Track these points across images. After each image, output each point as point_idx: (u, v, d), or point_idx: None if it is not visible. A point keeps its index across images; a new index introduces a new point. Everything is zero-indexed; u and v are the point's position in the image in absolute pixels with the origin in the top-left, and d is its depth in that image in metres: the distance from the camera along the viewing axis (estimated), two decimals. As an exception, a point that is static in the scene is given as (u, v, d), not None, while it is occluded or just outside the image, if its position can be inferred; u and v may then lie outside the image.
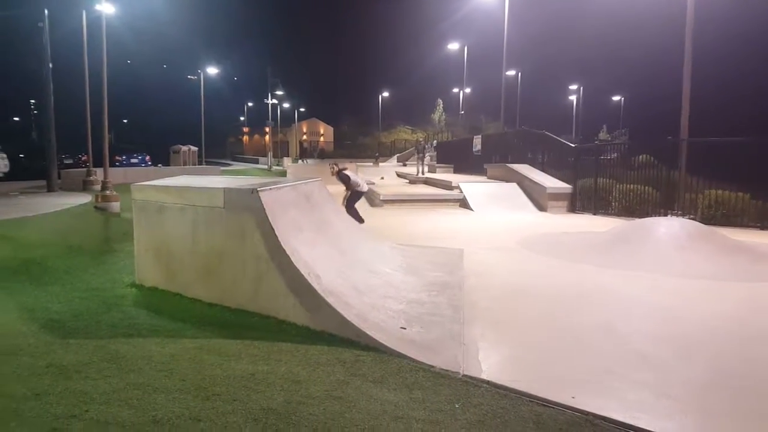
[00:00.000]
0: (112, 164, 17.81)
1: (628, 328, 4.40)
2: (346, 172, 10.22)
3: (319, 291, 4.24)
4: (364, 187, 10.45)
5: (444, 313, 4.69)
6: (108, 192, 11.43)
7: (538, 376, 3.40)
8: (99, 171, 14.66)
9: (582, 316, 4.69)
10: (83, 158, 30.16)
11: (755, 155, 10.60)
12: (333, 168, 10.39)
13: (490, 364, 3.65)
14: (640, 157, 13.28)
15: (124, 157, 38.54)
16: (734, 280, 6.07)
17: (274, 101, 47.32)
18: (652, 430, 2.74)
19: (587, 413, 2.86)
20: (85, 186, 16.49)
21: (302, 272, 4.34)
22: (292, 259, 4.40)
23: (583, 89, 46.57)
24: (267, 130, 50.91)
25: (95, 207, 11.26)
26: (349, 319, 4.06)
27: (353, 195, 10.15)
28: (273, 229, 4.51)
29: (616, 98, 50.63)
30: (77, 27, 16.84)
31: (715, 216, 10.51)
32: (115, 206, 11.12)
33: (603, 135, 29.15)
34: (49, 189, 15.88)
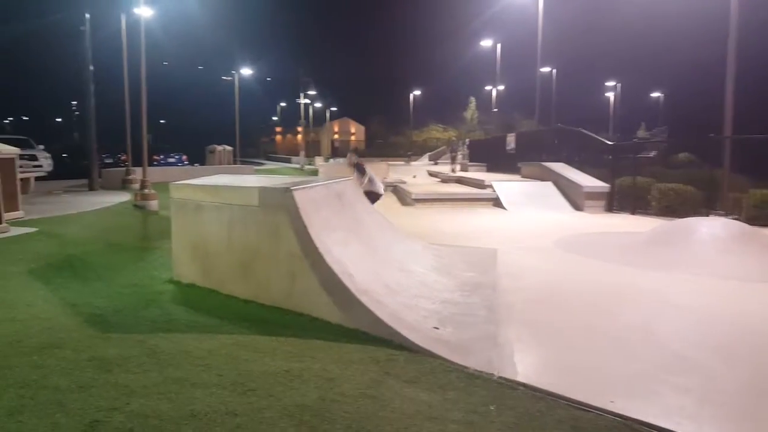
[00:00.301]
0: (150, 163, 18.27)
1: (668, 331, 4.27)
2: (366, 167, 9.24)
3: (352, 289, 4.25)
4: (381, 189, 9.19)
5: (478, 313, 4.63)
6: (146, 191, 11.74)
7: (575, 379, 3.33)
8: (138, 170, 15.07)
9: (620, 318, 4.57)
10: (122, 158, 31.07)
11: None
12: (351, 157, 9.55)
13: (526, 366, 3.59)
14: (681, 155, 12.90)
15: (161, 157, 39.50)
16: None
17: (306, 101, 47.79)
18: (696, 437, 2.64)
19: (627, 418, 2.78)
20: (124, 185, 16.97)
21: (335, 270, 4.36)
22: (325, 257, 4.42)
23: (621, 85, 45.42)
24: (299, 129, 51.44)
25: (134, 205, 11.58)
26: (382, 317, 4.06)
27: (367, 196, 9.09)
28: (306, 228, 4.54)
29: (655, 95, 49.23)
30: (117, 30, 17.37)
31: (760, 216, 10.12)
32: (154, 204, 11.41)
33: (642, 132, 28.41)
34: (91, 188, 16.40)
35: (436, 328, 4.15)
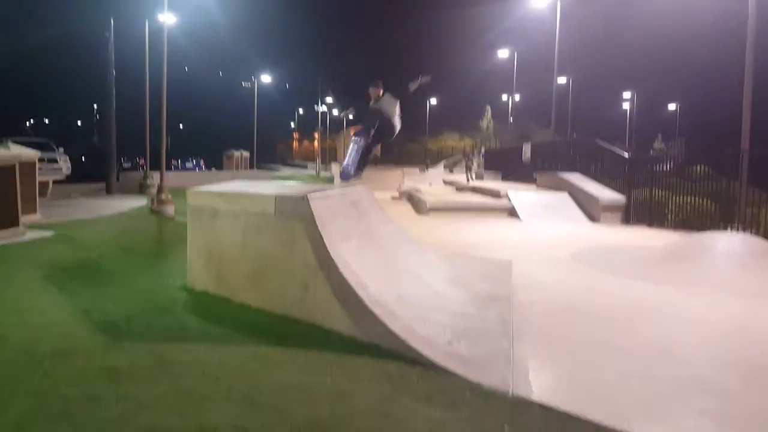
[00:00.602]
0: (168, 168, 18.43)
1: (686, 349, 4.15)
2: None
3: (366, 301, 4.20)
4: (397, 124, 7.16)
5: (492, 328, 4.55)
6: (163, 196, 11.82)
7: (591, 399, 3.24)
8: (155, 174, 15.21)
9: (637, 336, 4.46)
10: (140, 162, 31.43)
11: None
12: (377, 89, 6.95)
13: (541, 384, 3.50)
14: (698, 167, 12.71)
15: (179, 162, 39.90)
16: None
17: (324, 109, 48.08)
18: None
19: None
20: (141, 189, 17.14)
21: (349, 281, 4.31)
22: (340, 267, 4.38)
23: (637, 97, 45.03)
24: (316, 135, 51.64)
25: (150, 210, 11.67)
26: (395, 330, 3.99)
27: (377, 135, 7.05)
28: (321, 237, 4.50)
29: (671, 107, 48.68)
30: (140, 35, 17.62)
31: None
32: (170, 210, 11.48)
33: (658, 144, 28.10)
34: (108, 191, 16.60)
35: (450, 343, 4.07)
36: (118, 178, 17.73)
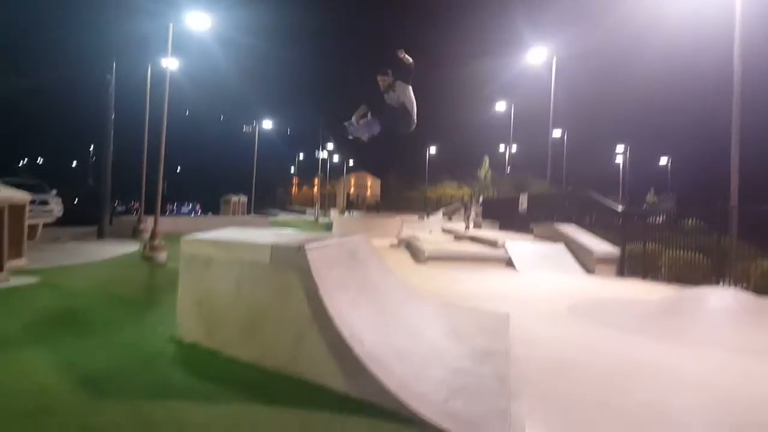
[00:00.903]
0: (163, 212, 18.37)
1: (683, 410, 4.05)
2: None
3: (361, 356, 4.07)
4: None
5: (489, 384, 4.41)
6: (156, 242, 11.69)
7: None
8: (150, 219, 15.11)
9: (634, 395, 4.36)
10: (135, 206, 31.35)
11: None
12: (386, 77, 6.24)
13: (542, 447, 3.36)
14: (689, 221, 12.80)
15: (175, 206, 39.79)
16: None
17: (324, 155, 48.59)
18: None
19: None
20: (134, 233, 16.98)
21: (344, 335, 4.19)
22: (335, 320, 4.27)
23: (630, 150, 45.91)
24: (316, 181, 51.92)
25: (143, 256, 11.51)
26: (390, 387, 3.86)
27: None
28: (317, 289, 4.41)
29: (663, 161, 49.59)
30: (140, 77, 17.83)
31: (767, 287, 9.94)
32: (162, 256, 11.32)
33: (651, 197, 28.41)
34: (100, 236, 16.43)
35: (447, 401, 3.93)
36: (110, 222, 17.60)
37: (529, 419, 3.77)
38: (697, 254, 11.54)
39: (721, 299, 7.18)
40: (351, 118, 6.24)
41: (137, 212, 20.09)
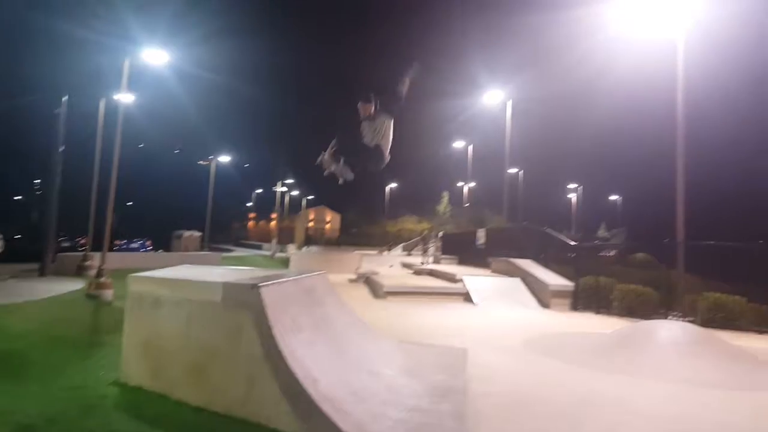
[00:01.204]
0: (111, 249, 17.66)
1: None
2: None
3: (315, 398, 3.96)
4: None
5: (446, 424, 4.37)
6: (102, 279, 11.19)
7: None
8: (96, 255, 14.51)
9: (588, 428, 4.45)
10: (81, 241, 29.98)
11: (751, 259, 10.75)
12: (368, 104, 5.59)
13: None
14: (638, 255, 13.29)
15: (124, 242, 38.41)
16: (738, 389, 5.89)
17: (283, 189, 48.19)
18: None
19: None
20: (79, 271, 16.18)
21: (298, 376, 4.08)
22: (289, 361, 4.16)
23: (583, 187, 47.72)
24: (273, 216, 51.26)
25: (87, 294, 10.98)
26: (345, 430, 3.76)
27: None
28: (270, 328, 4.31)
29: (614, 197, 51.69)
30: (91, 110, 17.30)
31: (714, 319, 10.35)
32: (108, 294, 10.82)
33: (602, 232, 29.43)
34: (42, 273, 15.61)
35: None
36: (53, 259, 16.77)
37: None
38: (647, 288, 11.93)
39: (669, 332, 7.43)
40: (323, 154, 5.94)
41: (83, 248, 19.24)
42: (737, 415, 4.95)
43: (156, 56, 14.79)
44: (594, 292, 12.71)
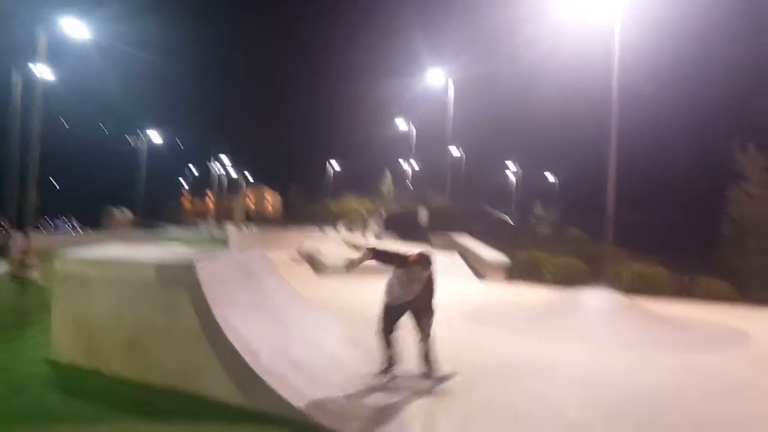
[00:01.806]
0: (37, 228, 16.70)
1: (563, 400, 4.44)
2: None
3: (255, 368, 4.01)
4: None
5: (386, 387, 4.54)
6: (28, 260, 10.63)
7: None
8: (20, 235, 13.71)
9: (521, 391, 4.72)
10: (2, 223, 28.08)
11: (670, 232, 11.68)
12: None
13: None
14: (572, 230, 14.04)
15: (50, 221, 36.34)
16: (658, 350, 6.40)
17: (219, 167, 46.76)
18: None
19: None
20: (2, 252, 15.23)
21: (237, 348, 4.11)
22: (228, 335, 4.17)
23: (522, 167, 49.21)
24: (210, 194, 49.75)
25: (12, 276, 10.40)
26: (285, 397, 3.85)
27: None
28: (208, 304, 4.29)
29: (551, 176, 53.64)
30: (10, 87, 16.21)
31: (636, 287, 11.16)
32: (35, 275, 10.30)
33: (538, 209, 30.57)
34: (-40, 255, 14.59)
35: (343, 405, 3.99)
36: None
37: (423, 419, 3.96)
38: (577, 261, 12.65)
39: (596, 300, 7.93)
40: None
41: (5, 230, 18.07)
42: (658, 372, 5.38)
43: (75, 27, 13.90)
44: (528, 266, 13.32)
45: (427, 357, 4.71)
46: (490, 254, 13.96)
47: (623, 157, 14.07)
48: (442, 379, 4.65)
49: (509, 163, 49.66)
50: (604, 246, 12.72)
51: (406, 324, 4.65)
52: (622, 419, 4.04)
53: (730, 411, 4.38)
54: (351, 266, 5.01)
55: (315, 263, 14.47)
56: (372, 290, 10.48)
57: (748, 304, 10.80)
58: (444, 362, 5.48)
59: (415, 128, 39.54)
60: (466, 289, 11.55)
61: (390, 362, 4.76)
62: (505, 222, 15.47)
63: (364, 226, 22.27)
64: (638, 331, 7.10)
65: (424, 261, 4.96)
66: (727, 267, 12.56)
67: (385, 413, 3.90)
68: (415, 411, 4.04)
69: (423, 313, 4.89)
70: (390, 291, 4.93)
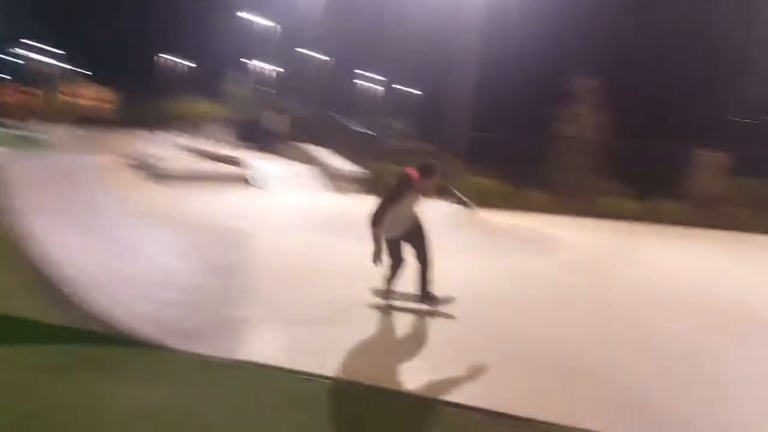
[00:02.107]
0: None
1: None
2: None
3: (69, 283, 3.76)
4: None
5: (220, 297, 4.60)
6: None
7: (301, 353, 3.55)
8: None
9: (356, 287, 5.06)
10: None
11: (513, 149, 12.95)
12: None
13: (260, 347, 3.76)
14: (428, 146, 14.80)
15: None
16: (493, 256, 7.44)
17: (34, 55, 39.46)
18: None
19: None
20: None
21: (49, 261, 3.80)
22: (37, 245, 3.82)
23: (386, 80, 49.34)
24: (23, 89, 42.15)
25: None
26: (106, 312, 3.70)
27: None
28: (9, 210, 3.86)
29: (415, 91, 54.62)
30: None
31: (473, 199, 12.29)
32: None
33: (397, 125, 31.19)
34: None
35: (172, 319, 3.97)
36: None
37: (257, 323, 4.15)
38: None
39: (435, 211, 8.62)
40: None
41: None
42: (488, 273, 6.31)
43: None
44: (381, 177, 13.80)
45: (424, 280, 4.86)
46: (343, 165, 14.09)
47: (487, 73, 14.79)
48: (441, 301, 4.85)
49: (375, 75, 49.20)
50: (451, 161, 13.59)
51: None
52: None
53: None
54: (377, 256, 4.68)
55: (152, 170, 13.28)
56: (213, 201, 10.24)
57: (565, 215, 12.49)
58: (287, 269, 5.62)
59: (280, 26, 36.98)
60: (318, 201, 11.62)
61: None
62: (360, 133, 15.65)
63: (211, 133, 20.89)
64: (476, 239, 8.06)
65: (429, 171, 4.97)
66: (549, 180, 14.11)
67: (217, 325, 3.97)
68: (252, 318, 4.21)
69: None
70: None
